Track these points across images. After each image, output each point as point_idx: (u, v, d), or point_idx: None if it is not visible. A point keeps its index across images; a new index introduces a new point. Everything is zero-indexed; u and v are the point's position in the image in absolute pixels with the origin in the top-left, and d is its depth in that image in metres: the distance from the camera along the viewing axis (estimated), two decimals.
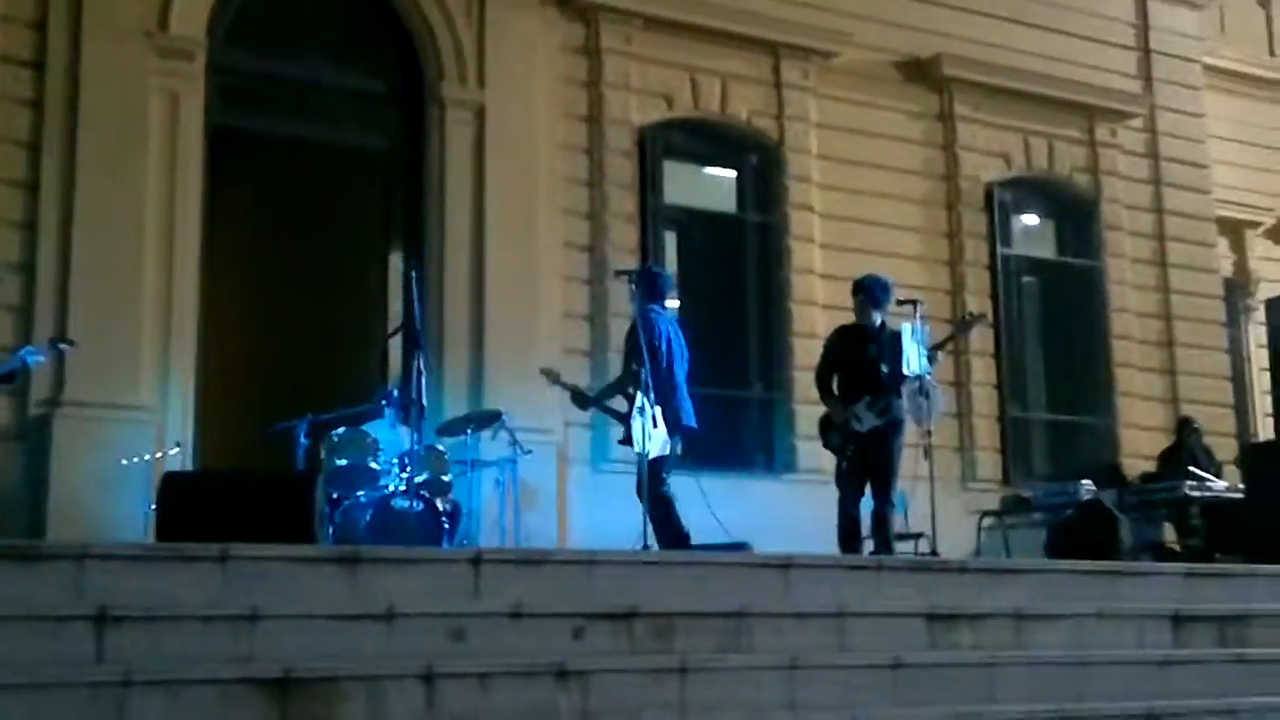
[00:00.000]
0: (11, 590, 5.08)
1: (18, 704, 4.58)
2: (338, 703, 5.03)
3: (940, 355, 8.84)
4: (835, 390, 8.63)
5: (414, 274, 8.27)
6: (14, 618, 4.90)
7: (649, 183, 11.67)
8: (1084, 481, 10.55)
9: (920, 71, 13.03)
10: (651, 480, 7.90)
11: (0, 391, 7.96)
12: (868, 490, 8.37)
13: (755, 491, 10.79)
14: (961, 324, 10.03)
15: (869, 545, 8.32)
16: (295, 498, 6.72)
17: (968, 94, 13.14)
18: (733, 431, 11.67)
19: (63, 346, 8.10)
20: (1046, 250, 13.84)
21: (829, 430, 8.58)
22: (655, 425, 7.94)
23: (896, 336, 8.47)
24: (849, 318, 8.93)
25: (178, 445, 9.05)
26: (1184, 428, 12.20)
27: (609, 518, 9.31)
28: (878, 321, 8.63)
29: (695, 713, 5.56)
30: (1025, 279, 13.47)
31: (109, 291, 9.34)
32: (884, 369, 8.40)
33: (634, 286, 8.64)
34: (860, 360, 8.50)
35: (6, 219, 9.33)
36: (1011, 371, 12.96)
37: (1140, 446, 12.90)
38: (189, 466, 9.17)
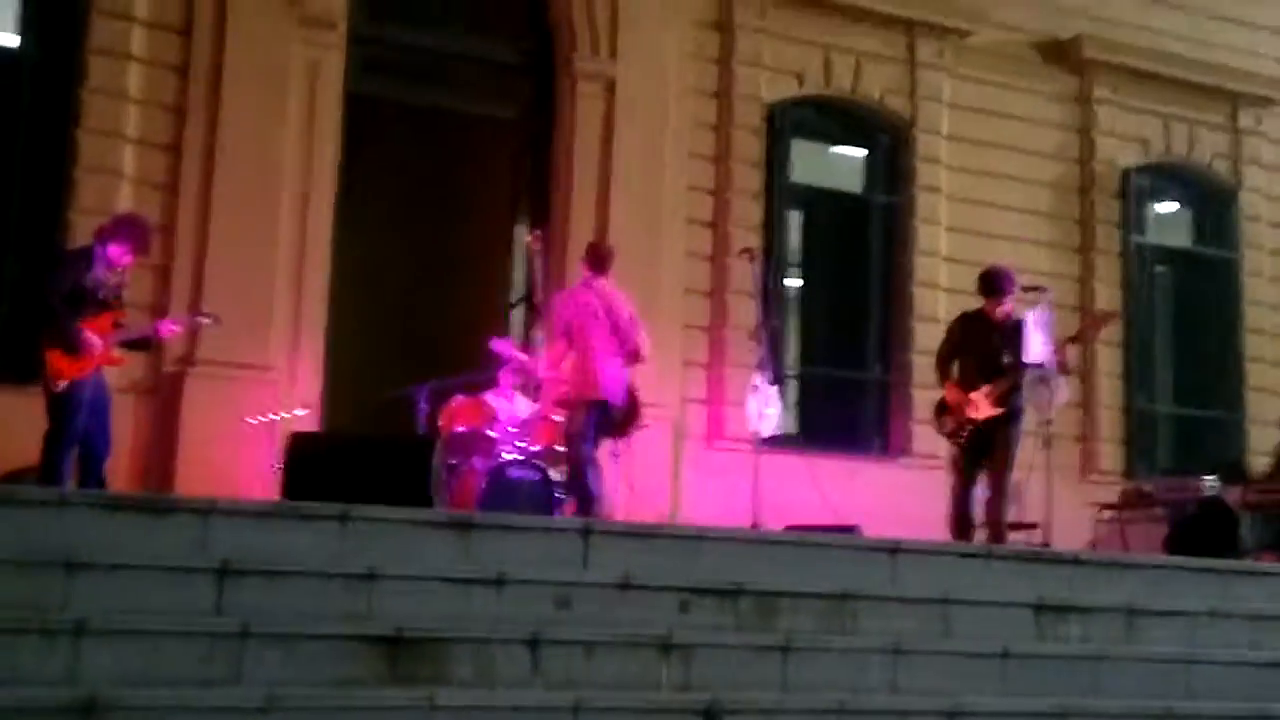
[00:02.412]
0: (139, 541, 5.28)
1: (139, 650, 4.77)
2: (446, 663, 5.15)
3: (1070, 350, 8.70)
4: (955, 376, 8.56)
5: (537, 244, 8.36)
6: (140, 567, 5.09)
7: (776, 160, 11.65)
8: (1207, 477, 10.31)
9: (1059, 52, 12.81)
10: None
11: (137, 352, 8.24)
12: (982, 479, 8.29)
13: (868, 475, 10.77)
14: (1092, 324, 9.83)
15: (982, 534, 8.25)
16: (415, 462, 6.88)
17: (1107, 76, 12.88)
18: (848, 413, 11.65)
19: (204, 321, 8.31)
20: (1182, 239, 13.55)
21: (944, 415, 8.52)
22: None
23: (1020, 325, 8.36)
24: (972, 302, 8.83)
25: (305, 407, 9.29)
26: None
27: (720, 495, 9.38)
28: (1003, 311, 8.51)
29: (796, 691, 5.59)
30: (1158, 268, 13.21)
31: (244, 253, 9.63)
32: (1006, 358, 8.30)
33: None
34: (982, 347, 8.41)
35: (150, 180, 9.65)
36: (1139, 362, 12.72)
37: (1268, 444, 12.52)
38: (315, 427, 9.41)
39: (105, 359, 7.32)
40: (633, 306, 8.31)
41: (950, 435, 8.48)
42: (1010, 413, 8.30)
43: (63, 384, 7.08)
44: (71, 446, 7.14)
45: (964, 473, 8.35)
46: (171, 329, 7.90)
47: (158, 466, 9.19)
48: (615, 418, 8.17)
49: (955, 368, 8.58)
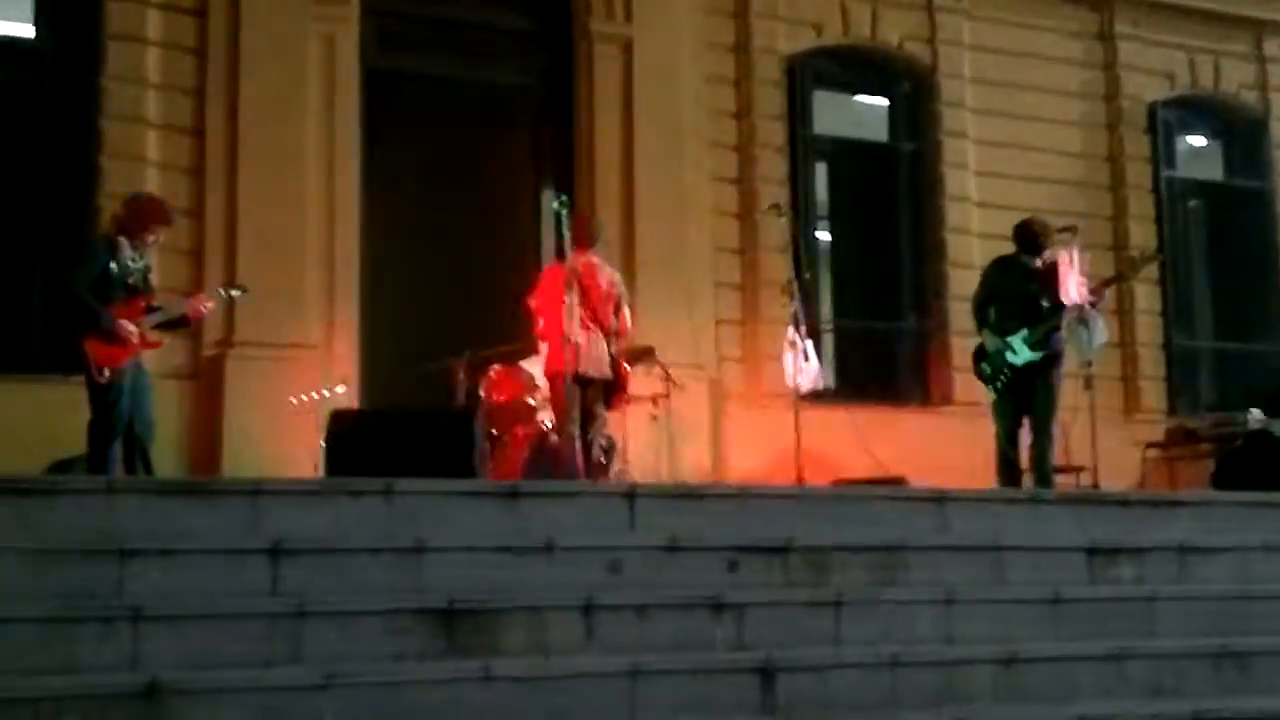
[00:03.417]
0: (191, 524, 5.31)
1: (199, 633, 4.81)
2: (500, 632, 5.17)
3: (1106, 292, 8.62)
4: (991, 320, 8.49)
5: (564, 210, 8.31)
6: (194, 551, 5.13)
7: (798, 113, 11.57)
8: (1252, 411, 10.23)
9: None
10: None
11: (174, 334, 8.26)
12: (1026, 423, 8.24)
13: (910, 425, 10.73)
14: (1132, 265, 9.73)
15: (1029, 480, 8.20)
16: (457, 433, 6.88)
17: (1129, 10, 12.74)
18: (886, 364, 11.61)
19: (234, 293, 8.32)
20: (1213, 172, 13.41)
21: (982, 361, 8.46)
22: None
23: (1054, 267, 8.29)
24: (1005, 246, 8.75)
25: (344, 383, 9.31)
26: None
27: (763, 453, 9.36)
28: (1037, 260, 8.43)
29: (850, 646, 5.58)
30: (1191, 202, 13.09)
31: (274, 233, 9.64)
32: (1044, 303, 8.23)
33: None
34: (1018, 292, 8.34)
35: (175, 165, 9.66)
36: (1177, 299, 12.63)
37: None
38: (354, 403, 9.43)
39: (143, 343, 7.34)
40: (616, 282, 8.26)
41: (990, 381, 8.43)
42: (1050, 356, 8.24)
43: (106, 373, 7.10)
44: (117, 434, 7.17)
45: (1007, 419, 8.31)
46: (204, 306, 7.89)
47: (204, 450, 9.23)
48: (594, 390, 8.11)
49: (992, 313, 8.52)
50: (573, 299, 7.88)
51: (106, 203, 9.21)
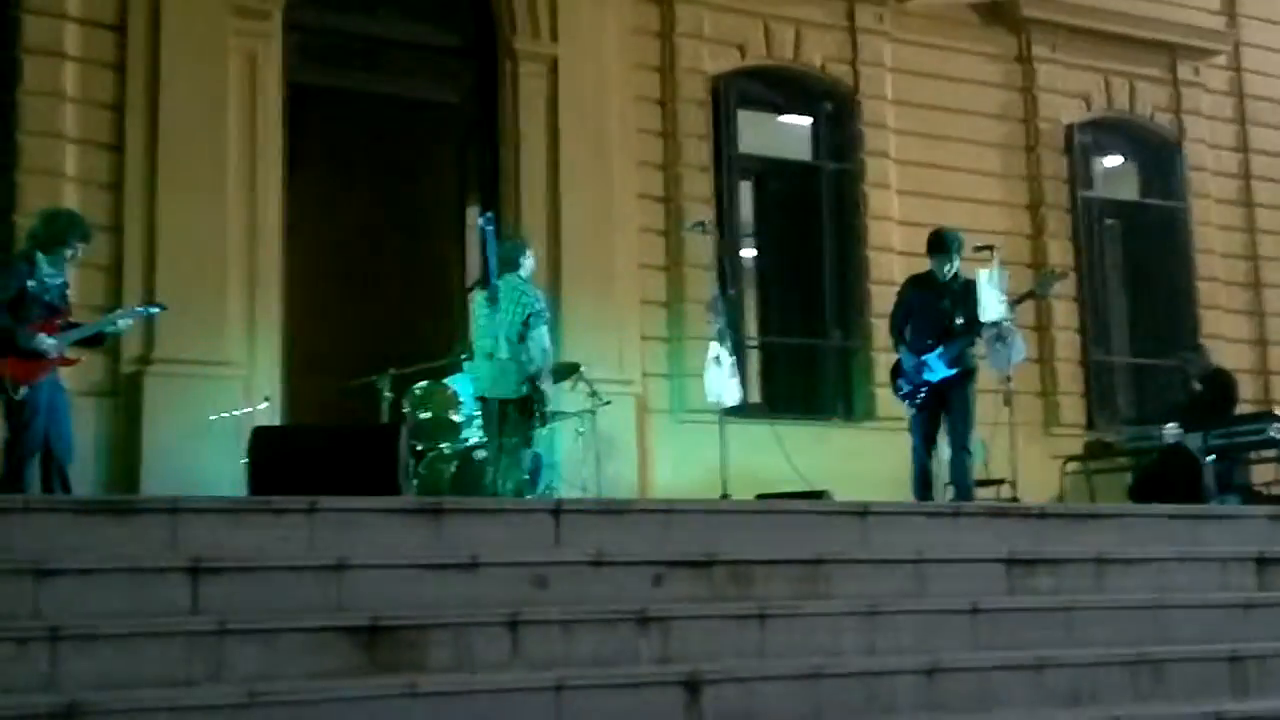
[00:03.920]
0: (109, 543, 5.24)
1: (117, 653, 4.74)
2: (425, 650, 5.14)
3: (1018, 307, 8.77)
4: (907, 338, 8.61)
5: (489, 227, 8.31)
6: (112, 570, 5.05)
7: (723, 132, 11.64)
8: (1168, 426, 10.43)
9: (997, 13, 12.87)
10: None
11: (92, 351, 8.14)
12: (943, 439, 8.35)
13: (834, 440, 10.83)
14: (1042, 283, 9.89)
15: (950, 492, 8.31)
16: (381, 450, 6.86)
17: (1046, 34, 12.96)
18: (811, 380, 11.70)
19: (152, 310, 8.22)
20: (1129, 192, 13.67)
21: (899, 378, 8.58)
22: None
23: (970, 285, 8.42)
24: (927, 264, 8.88)
25: (266, 400, 9.23)
26: None
27: (689, 468, 9.40)
28: (951, 272, 8.56)
29: (774, 658, 5.62)
30: (1108, 221, 13.31)
31: (194, 250, 9.52)
32: (958, 320, 8.35)
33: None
34: (933, 309, 8.47)
35: (94, 180, 9.52)
36: (1094, 315, 12.83)
37: None
38: (277, 421, 9.35)
39: (60, 360, 7.23)
40: (529, 307, 8.14)
41: (907, 398, 8.54)
42: (965, 371, 8.36)
43: (22, 390, 6.98)
44: (34, 452, 7.05)
45: (924, 434, 8.41)
46: (121, 323, 7.79)
47: (122, 469, 9.09)
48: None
49: (908, 331, 8.63)
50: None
51: (22, 218, 9.08)
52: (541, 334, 8.02)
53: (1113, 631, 6.26)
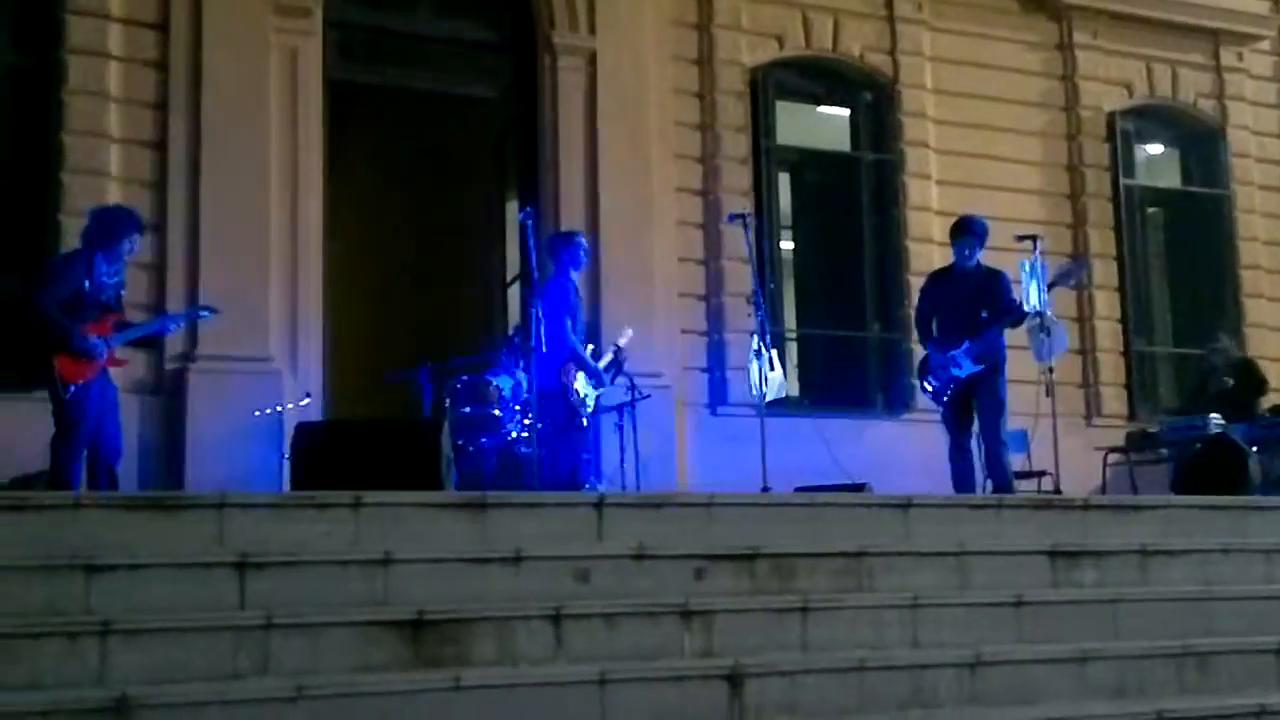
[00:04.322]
0: (157, 539, 5.31)
1: (166, 647, 4.80)
2: (469, 643, 5.18)
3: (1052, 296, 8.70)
4: (935, 333, 8.56)
5: (529, 221, 8.34)
6: (160, 565, 5.12)
7: (761, 124, 11.61)
8: (1212, 415, 10.34)
9: (1037, 0, 12.77)
10: None
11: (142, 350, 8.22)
12: (977, 433, 8.30)
13: (874, 432, 10.80)
14: (1062, 274, 9.79)
15: (990, 486, 8.27)
16: (423, 445, 6.88)
17: (1087, 21, 12.85)
18: (850, 372, 11.66)
19: (203, 314, 8.25)
20: (1172, 180, 13.54)
21: (927, 375, 8.54)
22: None
23: (994, 275, 8.38)
24: None
25: (308, 396, 9.30)
26: None
27: (727, 461, 9.40)
28: (973, 263, 8.51)
29: (817, 651, 5.62)
30: (1150, 210, 13.20)
31: (237, 246, 9.59)
32: (983, 313, 8.30)
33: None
34: (957, 303, 8.42)
35: (137, 179, 9.60)
36: (1136, 305, 12.74)
37: (1272, 379, 12.57)
38: (318, 416, 9.41)
39: (110, 361, 7.31)
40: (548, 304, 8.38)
41: (935, 395, 8.50)
42: (992, 366, 8.30)
43: (71, 389, 7.05)
44: (81, 450, 7.12)
45: (956, 430, 8.36)
46: (171, 325, 7.85)
47: (167, 465, 9.17)
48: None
49: (934, 326, 8.58)
50: None
51: (67, 218, 9.19)
52: None
53: (1157, 624, 6.23)
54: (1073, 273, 9.71)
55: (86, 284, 7.19)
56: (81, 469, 7.13)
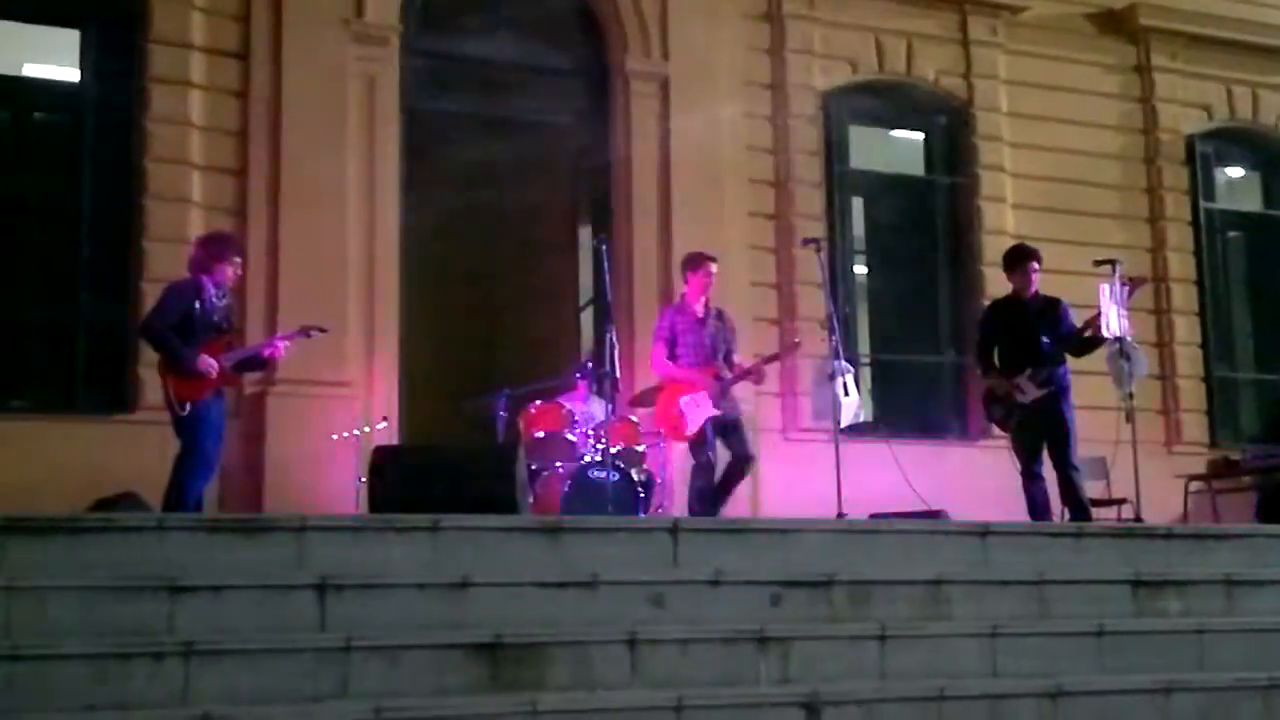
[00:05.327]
0: (237, 561, 5.37)
1: (247, 668, 4.85)
2: (546, 667, 5.19)
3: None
4: (997, 363, 8.47)
5: (603, 246, 8.37)
6: (243, 586, 5.18)
7: (834, 148, 11.60)
8: None
9: (1114, 22, 12.68)
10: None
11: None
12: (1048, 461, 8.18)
13: (949, 458, 10.69)
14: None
15: (1067, 514, 8.15)
16: (499, 469, 6.92)
17: (1165, 43, 12.73)
18: (925, 398, 11.58)
19: (311, 334, 8.33)
20: (1253, 204, 13.35)
21: (993, 404, 8.44)
22: None
23: (1054, 303, 8.31)
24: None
25: (385, 420, 9.37)
26: None
27: (799, 486, 9.35)
28: (1033, 290, 8.42)
29: (895, 680, 5.58)
30: (1230, 234, 13.02)
31: (315, 272, 9.71)
32: (1044, 339, 8.21)
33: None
34: (1018, 331, 8.33)
35: (219, 206, 9.76)
36: (1216, 330, 12.55)
37: None
38: (395, 440, 9.48)
39: (223, 380, 7.42)
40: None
41: (1000, 423, 8.40)
42: (1057, 391, 8.19)
43: (188, 407, 7.17)
44: (202, 469, 7.23)
45: (1027, 459, 8.25)
46: (282, 346, 7.92)
47: (246, 488, 9.28)
48: None
49: (996, 356, 8.50)
50: None
51: (151, 244, 9.36)
52: None
53: (1243, 655, 6.13)
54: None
55: (196, 306, 7.33)
56: (200, 487, 7.22)
